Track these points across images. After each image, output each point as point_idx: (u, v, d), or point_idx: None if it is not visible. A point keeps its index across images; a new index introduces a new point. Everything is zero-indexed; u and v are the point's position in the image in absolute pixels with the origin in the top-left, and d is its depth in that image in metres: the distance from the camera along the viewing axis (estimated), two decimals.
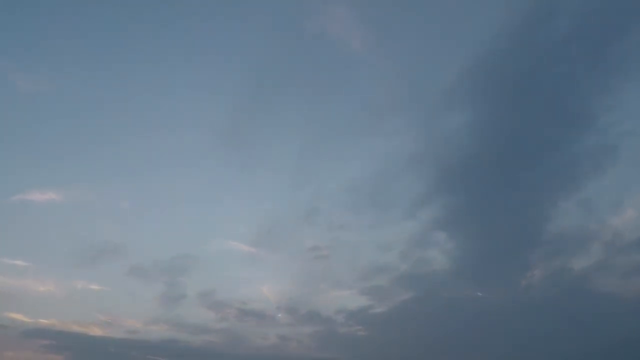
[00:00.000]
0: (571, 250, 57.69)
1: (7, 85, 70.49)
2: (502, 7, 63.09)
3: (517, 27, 61.13)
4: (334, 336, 61.45)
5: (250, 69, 75.35)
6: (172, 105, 77.89)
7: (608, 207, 59.50)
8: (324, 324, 62.16)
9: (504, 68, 62.77)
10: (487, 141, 62.98)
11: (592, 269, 55.96)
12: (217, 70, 79.76)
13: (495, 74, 63.23)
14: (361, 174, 70.34)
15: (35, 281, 63.43)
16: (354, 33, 73.47)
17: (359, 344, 60.52)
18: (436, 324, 58.30)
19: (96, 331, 61.01)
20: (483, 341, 55.71)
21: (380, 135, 70.90)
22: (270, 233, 67.66)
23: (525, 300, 56.16)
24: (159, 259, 64.76)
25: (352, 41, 74.43)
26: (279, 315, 63.28)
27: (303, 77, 75.35)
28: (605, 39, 60.02)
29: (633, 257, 55.13)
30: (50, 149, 73.68)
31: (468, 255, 60.28)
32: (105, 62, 76.84)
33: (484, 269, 58.98)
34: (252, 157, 72.86)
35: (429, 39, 70.90)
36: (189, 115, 79.05)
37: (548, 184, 61.26)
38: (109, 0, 75.61)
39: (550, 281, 57.15)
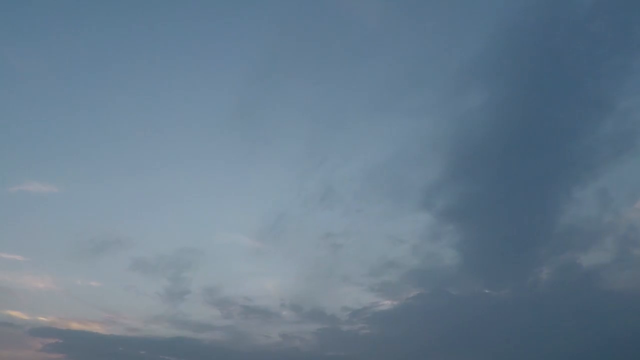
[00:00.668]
0: (583, 245, 55.78)
1: (9, 72, 68.08)
2: None
3: (539, 3, 58.21)
4: (340, 334, 60.53)
5: (260, 48, 73.45)
6: (178, 90, 75.23)
7: (624, 198, 56.62)
8: (329, 321, 61.28)
9: (523, 46, 59.68)
10: (502, 125, 59.84)
11: (605, 264, 54.24)
12: (225, 49, 75.80)
13: (514, 52, 59.81)
14: (375, 160, 67.74)
15: (34, 276, 61.94)
16: (369, 9, 70.06)
17: (366, 343, 59.71)
18: (444, 322, 57.22)
19: (97, 328, 59.88)
20: (490, 339, 54.85)
21: (395, 117, 67.71)
22: (278, 224, 65.66)
23: (535, 296, 55.05)
24: (163, 253, 63.52)
25: (368, 17, 70.88)
26: (285, 312, 62.17)
27: (316, 56, 71.55)
28: (630, 18, 56.63)
29: None
30: (49, 139, 71.35)
31: (477, 249, 58.75)
32: (110, 42, 73.24)
33: (492, 264, 57.70)
34: (260, 142, 70.11)
35: (447, 16, 67.11)
36: (195, 99, 76.29)
37: (563, 172, 58.57)
38: None
39: (560, 277, 55.53)
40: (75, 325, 59.75)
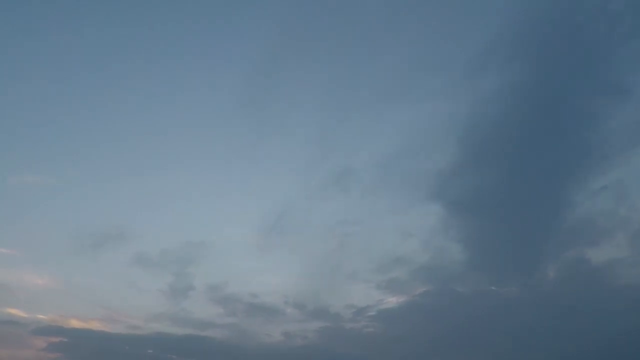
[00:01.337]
0: (594, 239, 53.95)
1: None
2: None
3: None
4: (345, 332, 59.53)
5: (268, 36, 70.18)
6: (184, 81, 73.50)
7: None
8: (334, 319, 60.09)
9: (540, 28, 57.23)
10: (516, 112, 57.74)
11: (617, 259, 52.47)
12: (232, 38, 73.55)
13: (530, 35, 57.48)
14: (385, 149, 65.72)
15: (32, 272, 60.53)
16: None
17: (371, 341, 58.41)
18: (450, 320, 55.92)
19: (98, 326, 58.47)
20: (496, 337, 53.59)
21: (407, 104, 65.65)
22: (283, 218, 64.18)
23: (543, 293, 53.77)
24: (167, 248, 61.93)
25: (379, 1, 68.27)
26: (289, 310, 60.79)
27: (325, 43, 69.27)
28: None
29: None
30: (50, 133, 69.78)
31: (485, 245, 57.23)
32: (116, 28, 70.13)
33: (500, 260, 56.29)
34: (267, 133, 68.50)
35: None
36: (201, 91, 74.30)
37: (578, 162, 56.39)
38: None
39: (570, 273, 53.94)
40: (75, 323, 58.44)
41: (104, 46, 72.46)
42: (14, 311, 56.16)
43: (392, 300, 59.77)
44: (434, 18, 66.11)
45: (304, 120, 71.37)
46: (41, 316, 57.68)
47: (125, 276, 61.24)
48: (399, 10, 67.19)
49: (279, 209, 65.29)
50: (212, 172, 72.27)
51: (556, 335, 50.86)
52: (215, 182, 71.56)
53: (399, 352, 56.47)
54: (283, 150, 70.76)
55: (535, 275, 55.06)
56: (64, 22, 70.46)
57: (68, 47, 70.42)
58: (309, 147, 69.66)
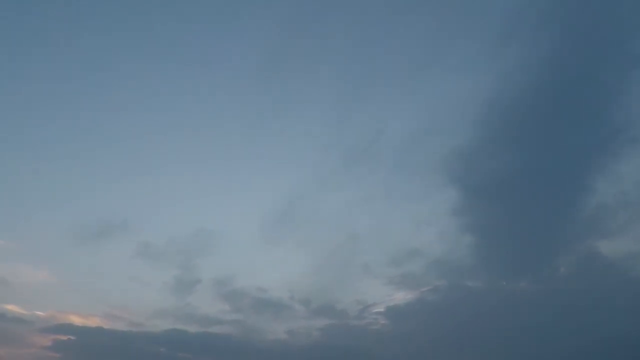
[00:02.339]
0: (610, 231, 51.71)
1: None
2: None
3: None
4: (356, 330, 57.22)
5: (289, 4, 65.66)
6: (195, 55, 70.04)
7: None
8: (341, 316, 58.22)
9: None
10: (541, 87, 54.92)
11: (635, 252, 49.69)
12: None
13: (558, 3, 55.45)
14: (406, 128, 63.98)
15: (29, 265, 57.86)
16: None
17: (381, 338, 56.08)
18: (461, 315, 53.85)
19: (98, 323, 55.82)
20: (506, 333, 51.31)
21: (430, 77, 63.94)
22: (293, 206, 62.04)
23: (555, 287, 51.88)
24: (173, 237, 59.55)
25: None
26: (297, 306, 58.47)
27: (348, 12, 66.32)
28: None
29: None
30: (53, 121, 67.55)
31: (500, 235, 55.57)
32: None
33: (516, 251, 54.22)
34: (281, 110, 66.02)
35: None
36: (216, 60, 70.87)
37: (602, 144, 53.86)
38: None
39: (585, 265, 51.89)
40: (75, 320, 56.16)
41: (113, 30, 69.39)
42: (10, 307, 53.55)
43: (403, 296, 57.84)
44: None
45: (321, 97, 68.07)
46: (39, 313, 55.34)
47: (128, 268, 58.70)
48: None
49: (289, 198, 62.67)
50: (220, 159, 69.84)
51: (569, 330, 48.87)
52: (224, 169, 69.21)
53: (408, 349, 54.40)
54: (296, 132, 68.23)
55: (548, 269, 53.56)
56: (74, 22, 68.02)
57: (76, 46, 68.46)
58: (324, 128, 67.40)
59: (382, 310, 57.34)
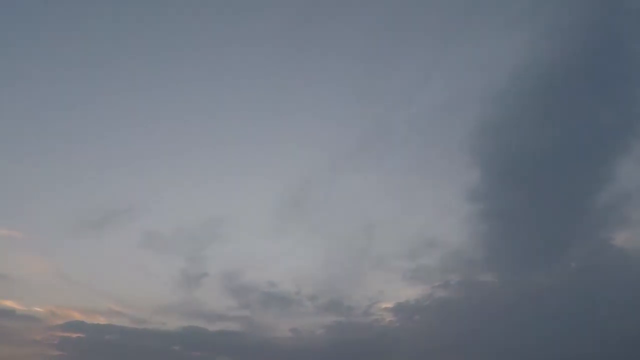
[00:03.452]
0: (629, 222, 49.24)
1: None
2: None
3: None
4: (362, 326, 55.19)
5: None
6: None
7: None
8: (351, 313, 55.82)
9: None
10: (566, 57, 51.88)
11: None
12: None
13: None
14: (427, 104, 59.22)
15: (27, 256, 54.17)
16: None
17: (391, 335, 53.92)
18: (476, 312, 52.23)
19: (101, 320, 52.54)
20: (520, 329, 49.57)
21: (456, 48, 60.01)
22: (305, 192, 59.27)
23: (570, 280, 50.19)
24: (181, 226, 56.65)
25: None
26: (305, 302, 55.81)
27: None
28: None
29: None
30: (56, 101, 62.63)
31: (516, 224, 53.51)
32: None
33: (533, 241, 52.36)
34: (295, 86, 62.96)
35: None
36: (226, 41, 65.81)
37: (627, 126, 51.15)
38: None
39: (599, 258, 49.78)
40: (76, 316, 53.55)
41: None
42: (7, 303, 50.62)
43: (414, 292, 55.64)
44: None
45: (337, 72, 64.27)
46: (39, 309, 52.21)
47: (133, 260, 55.78)
48: None
49: (301, 183, 59.73)
50: (230, 144, 65.77)
51: (583, 325, 47.05)
52: (234, 154, 65.38)
53: (415, 347, 52.33)
54: (310, 111, 64.80)
55: (563, 260, 51.82)
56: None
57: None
58: (339, 107, 63.73)
59: (390, 306, 55.49)
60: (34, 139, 59.62)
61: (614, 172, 50.45)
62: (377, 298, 55.23)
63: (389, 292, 55.97)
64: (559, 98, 53.09)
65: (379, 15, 62.37)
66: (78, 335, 51.65)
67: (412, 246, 55.49)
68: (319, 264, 57.37)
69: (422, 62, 62.33)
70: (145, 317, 53.32)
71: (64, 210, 56.42)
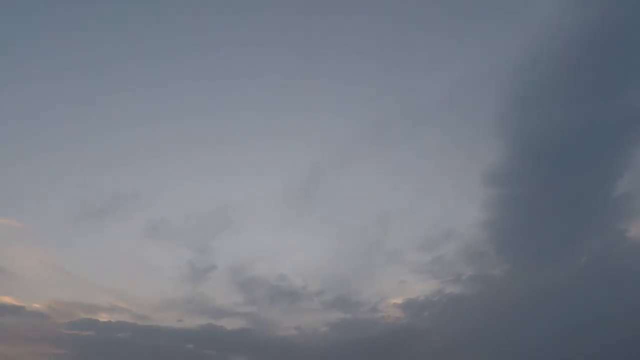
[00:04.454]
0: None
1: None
2: None
3: None
4: (371, 325, 53.62)
5: None
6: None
7: None
8: (359, 311, 54.21)
9: None
10: (590, 36, 49.53)
11: None
12: None
13: None
14: (452, 80, 56.30)
15: (25, 247, 51.86)
16: None
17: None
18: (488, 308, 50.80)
19: (103, 316, 50.03)
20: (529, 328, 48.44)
21: (474, 25, 57.56)
22: (318, 178, 57.27)
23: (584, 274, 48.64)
24: (189, 214, 54.44)
25: None
26: (313, 297, 54.29)
27: None
28: None
29: None
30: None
31: (530, 213, 52.01)
32: None
33: (544, 235, 50.92)
34: (307, 68, 60.97)
35: None
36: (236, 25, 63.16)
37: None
38: None
39: (612, 251, 48.85)
40: (75, 312, 50.74)
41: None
42: (4, 299, 47.84)
43: (425, 287, 54.13)
44: None
45: (353, 54, 62.04)
46: (37, 305, 49.58)
47: (137, 251, 53.63)
48: None
49: (312, 170, 57.61)
50: (241, 129, 64.05)
51: (593, 321, 45.81)
52: (244, 141, 63.14)
53: (424, 346, 51.19)
54: (323, 94, 62.31)
55: (575, 253, 50.62)
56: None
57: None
58: (358, 86, 61.09)
59: (399, 302, 54.27)
60: (34, 125, 57.00)
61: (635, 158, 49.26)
62: (387, 294, 54.29)
63: (400, 287, 54.89)
64: (581, 76, 50.95)
65: None
66: (76, 332, 49.34)
67: (428, 238, 54.21)
68: (328, 257, 55.88)
69: (444, 37, 60.03)
70: (147, 313, 51.30)
71: (68, 197, 53.91)
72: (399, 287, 54.63)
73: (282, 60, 61.58)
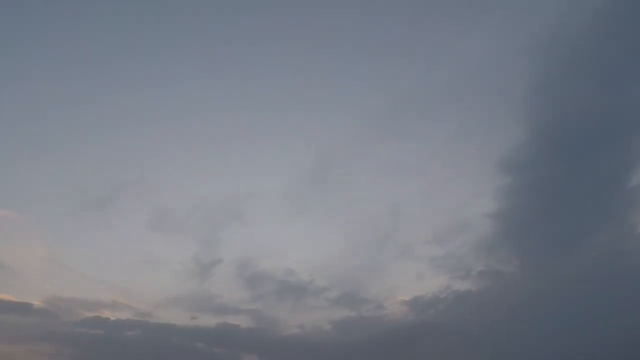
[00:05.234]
0: None
1: None
2: None
3: None
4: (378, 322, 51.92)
5: None
6: None
7: None
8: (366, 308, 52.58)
9: None
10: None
11: None
12: None
13: None
14: (465, 63, 54.92)
15: (25, 240, 49.30)
16: None
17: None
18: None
19: (105, 313, 47.74)
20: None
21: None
22: (329, 164, 55.17)
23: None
24: (197, 204, 52.81)
25: None
26: (320, 294, 52.35)
27: None
28: None
29: None
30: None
31: (544, 203, 50.08)
32: None
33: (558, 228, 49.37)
34: (321, 37, 59.03)
35: None
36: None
37: None
38: None
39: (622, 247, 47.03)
40: (75, 308, 47.99)
41: None
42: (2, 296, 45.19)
43: (434, 283, 53.13)
44: None
45: (373, 24, 59.53)
46: (35, 302, 47.06)
47: (141, 243, 51.41)
48: None
49: (325, 155, 55.59)
50: (249, 113, 62.01)
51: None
52: (253, 125, 61.57)
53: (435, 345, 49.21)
54: (336, 71, 60.52)
55: (586, 246, 48.92)
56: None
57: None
58: (371, 67, 59.26)
59: (407, 299, 53.03)
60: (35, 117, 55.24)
61: None
62: (395, 290, 53.02)
63: (409, 283, 53.76)
64: (602, 54, 48.94)
65: None
66: (75, 330, 46.90)
67: (440, 230, 52.67)
68: (337, 250, 54.50)
69: (459, 18, 57.77)
70: (149, 310, 49.35)
71: (69, 183, 51.95)
72: (408, 284, 53.84)
73: (292, 46, 58.86)
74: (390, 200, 54.53)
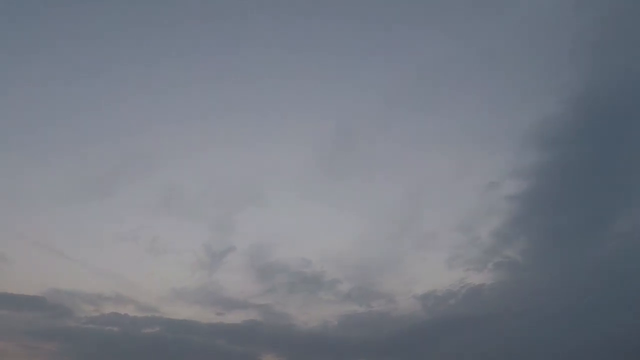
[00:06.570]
0: None
1: None
2: None
3: None
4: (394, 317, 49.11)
5: None
6: None
7: None
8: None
9: None
10: None
11: None
12: None
13: None
14: (506, 24, 50.64)
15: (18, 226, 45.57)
16: None
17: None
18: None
19: (107, 308, 44.04)
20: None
21: None
22: (350, 140, 52.22)
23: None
24: (209, 186, 51.01)
25: None
26: (333, 288, 49.21)
27: None
28: None
29: None
30: None
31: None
32: None
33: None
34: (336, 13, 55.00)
35: None
36: None
37: None
38: None
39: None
40: (75, 307, 44.69)
41: None
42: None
43: (451, 276, 49.15)
44: None
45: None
46: (31, 294, 43.67)
47: (147, 231, 47.35)
48: None
49: (339, 135, 52.48)
50: (266, 88, 58.00)
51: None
52: (270, 101, 57.79)
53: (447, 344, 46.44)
54: (354, 48, 56.09)
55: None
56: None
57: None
58: (395, 37, 54.74)
59: (420, 293, 49.89)
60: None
61: None
62: (409, 284, 50.11)
63: (425, 276, 50.29)
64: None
65: None
66: (74, 328, 44.13)
67: (466, 216, 49.53)
68: (354, 239, 51.30)
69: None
70: (155, 305, 46.28)
71: (73, 163, 49.54)
72: (424, 277, 50.44)
73: (313, 20, 55.46)
74: (413, 181, 51.73)
